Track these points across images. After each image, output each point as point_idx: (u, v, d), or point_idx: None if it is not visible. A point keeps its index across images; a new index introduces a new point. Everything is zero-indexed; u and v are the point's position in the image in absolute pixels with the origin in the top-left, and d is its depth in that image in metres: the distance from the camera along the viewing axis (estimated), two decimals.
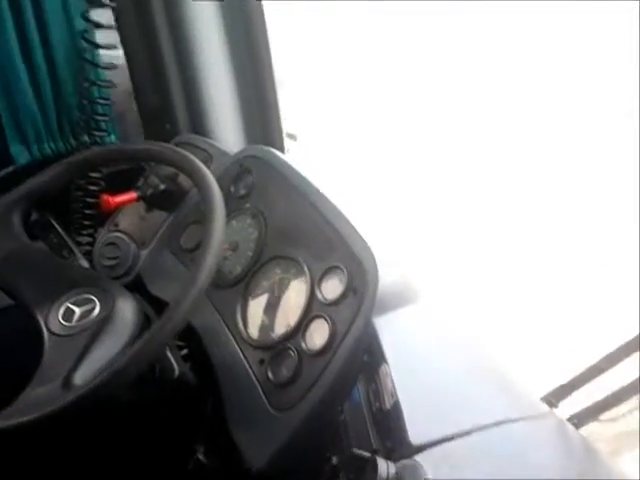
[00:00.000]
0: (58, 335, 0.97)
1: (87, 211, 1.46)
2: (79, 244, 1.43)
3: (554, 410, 1.16)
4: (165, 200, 1.36)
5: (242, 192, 1.26)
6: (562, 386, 1.21)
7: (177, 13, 1.39)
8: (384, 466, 0.72)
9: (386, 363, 0.90)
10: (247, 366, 1.08)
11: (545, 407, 1.03)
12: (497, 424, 0.88)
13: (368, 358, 0.95)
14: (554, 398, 1.21)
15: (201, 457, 1.12)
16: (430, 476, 0.75)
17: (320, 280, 1.06)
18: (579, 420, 1.19)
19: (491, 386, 0.97)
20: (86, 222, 1.47)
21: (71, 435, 1.00)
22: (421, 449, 0.79)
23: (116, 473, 1.31)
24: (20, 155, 1.47)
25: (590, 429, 1.17)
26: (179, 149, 1.12)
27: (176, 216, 1.36)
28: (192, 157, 1.08)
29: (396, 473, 0.72)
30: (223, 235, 0.96)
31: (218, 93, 1.48)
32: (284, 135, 1.58)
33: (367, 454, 0.77)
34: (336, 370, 0.96)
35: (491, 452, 0.85)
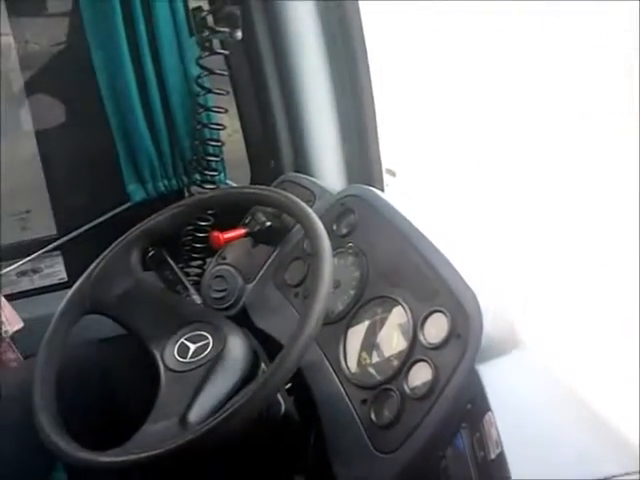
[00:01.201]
0: (174, 371, 1.03)
1: (197, 245, 1.53)
2: (188, 275, 1.50)
3: None
4: (270, 236, 1.41)
5: (344, 231, 1.30)
6: None
7: (284, 58, 1.45)
8: None
9: (491, 412, 0.90)
10: (349, 405, 1.10)
11: None
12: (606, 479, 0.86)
13: (472, 406, 0.96)
14: None
15: None
16: None
17: (423, 323, 1.07)
18: None
19: (598, 439, 0.95)
20: (195, 255, 1.55)
21: (184, 471, 1.05)
22: None
23: None
24: (136, 193, 1.56)
25: None
26: (284, 192, 1.16)
27: (280, 252, 1.40)
28: (298, 201, 1.12)
29: None
30: (331, 281, 0.99)
31: (320, 132, 1.53)
32: (384, 171, 1.61)
33: None
34: (439, 415, 0.97)
35: None
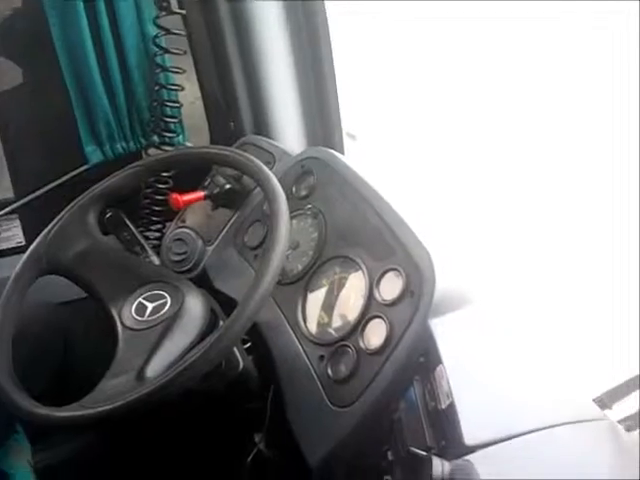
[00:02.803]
0: (131, 329, 1.04)
1: (156, 208, 1.53)
2: (147, 239, 1.50)
3: (607, 412, 1.16)
4: (230, 199, 1.41)
5: (303, 193, 1.31)
6: (617, 387, 1.21)
7: (243, 18, 1.43)
8: (439, 465, 0.75)
9: (442, 364, 0.93)
10: (307, 361, 1.12)
11: (598, 411, 1.04)
12: (549, 427, 0.90)
13: (424, 359, 0.98)
14: (609, 400, 1.21)
15: (262, 448, 1.17)
16: (483, 476, 0.78)
17: (378, 281, 1.09)
18: (633, 423, 1.19)
19: (545, 389, 0.98)
20: (154, 218, 1.55)
21: (141, 425, 1.06)
22: (474, 449, 0.82)
23: (181, 461, 1.37)
24: (93, 154, 1.54)
25: None
26: (243, 153, 1.17)
27: (240, 214, 1.41)
28: (257, 161, 1.12)
29: (450, 472, 0.76)
30: (288, 240, 1.00)
31: (281, 95, 1.52)
32: (344, 135, 1.61)
33: (423, 453, 0.80)
34: (393, 369, 1.00)
35: (542, 454, 0.86)
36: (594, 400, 1.16)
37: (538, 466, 0.85)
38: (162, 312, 1.05)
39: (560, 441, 0.90)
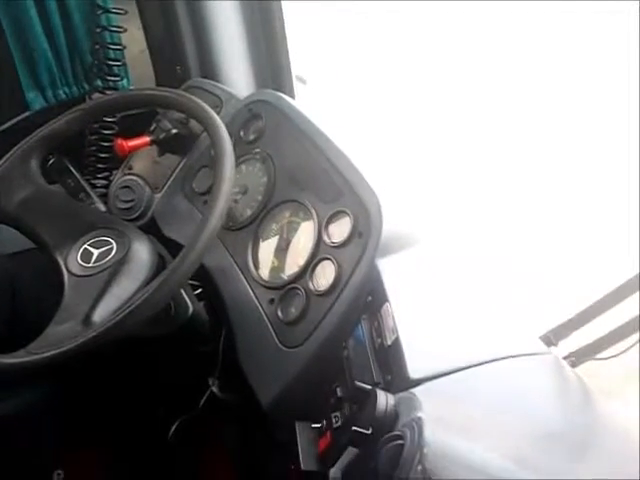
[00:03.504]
0: (77, 275, 1.02)
1: (102, 155, 1.49)
2: (94, 187, 1.47)
3: (553, 348, 1.20)
4: (177, 144, 1.39)
5: (252, 137, 1.29)
6: (563, 324, 1.25)
7: None
8: (383, 398, 0.77)
9: (388, 302, 0.94)
10: (258, 305, 1.13)
11: (542, 345, 1.07)
12: (493, 361, 0.92)
13: (372, 298, 1.00)
14: (554, 336, 1.25)
15: (215, 390, 1.18)
16: (427, 408, 0.80)
17: (327, 224, 1.10)
18: (577, 358, 1.23)
19: (490, 325, 1.01)
20: (101, 165, 1.51)
21: (93, 373, 1.06)
22: (418, 383, 0.84)
23: (135, 407, 1.38)
24: (35, 101, 1.49)
25: (588, 367, 1.22)
26: (187, 94, 1.14)
27: (188, 160, 1.39)
28: (200, 102, 1.10)
29: (394, 404, 0.77)
30: (232, 180, 0.99)
31: (228, 37, 1.49)
32: (294, 79, 1.59)
33: (368, 387, 0.82)
34: (341, 309, 1.01)
35: (485, 388, 0.89)
36: (540, 337, 1.20)
37: (481, 398, 0.87)
38: (108, 258, 1.03)
39: (504, 374, 0.93)
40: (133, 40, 1.51)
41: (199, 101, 1.10)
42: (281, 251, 1.16)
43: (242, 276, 1.18)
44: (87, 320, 0.93)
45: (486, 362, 0.92)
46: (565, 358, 1.21)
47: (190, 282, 1.14)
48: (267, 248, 1.18)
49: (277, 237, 1.18)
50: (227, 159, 0.99)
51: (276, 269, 1.15)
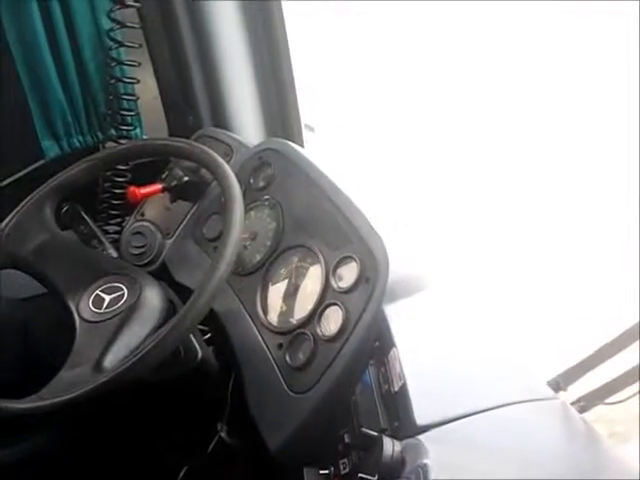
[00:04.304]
0: (89, 321, 1.04)
1: (114, 201, 1.52)
2: (107, 233, 1.49)
3: (562, 393, 1.20)
4: (188, 191, 1.41)
5: (261, 184, 1.32)
6: (571, 369, 1.25)
7: (199, 11, 1.44)
8: (390, 444, 0.78)
9: (395, 348, 0.95)
10: (266, 350, 1.13)
11: (549, 391, 1.07)
12: (500, 407, 0.93)
13: (379, 343, 1.01)
14: (563, 381, 1.24)
15: (224, 436, 1.19)
16: (433, 455, 0.80)
17: (335, 269, 1.11)
18: (586, 403, 1.22)
19: (497, 370, 1.01)
20: (113, 212, 1.54)
21: (104, 414, 1.07)
22: (426, 429, 0.84)
23: (144, 452, 1.38)
24: (50, 149, 1.53)
25: (600, 411, 1.21)
26: (198, 144, 1.18)
27: (199, 207, 1.41)
28: (211, 152, 1.13)
29: (400, 451, 0.78)
30: (241, 226, 1.01)
31: (238, 87, 1.53)
32: (302, 127, 1.62)
33: (375, 433, 0.83)
34: (349, 354, 1.02)
35: (492, 434, 0.89)
36: (549, 382, 1.20)
37: (488, 445, 0.88)
38: (119, 304, 1.05)
39: (510, 421, 0.93)
40: (146, 87, 1.56)
41: (210, 151, 1.13)
42: (289, 296, 1.18)
43: (251, 321, 1.19)
44: (98, 366, 0.95)
45: (493, 408, 0.92)
46: (574, 403, 1.21)
47: (199, 327, 1.16)
48: (276, 293, 1.20)
49: (286, 282, 1.19)
50: (236, 206, 1.02)
51: (284, 314, 1.16)
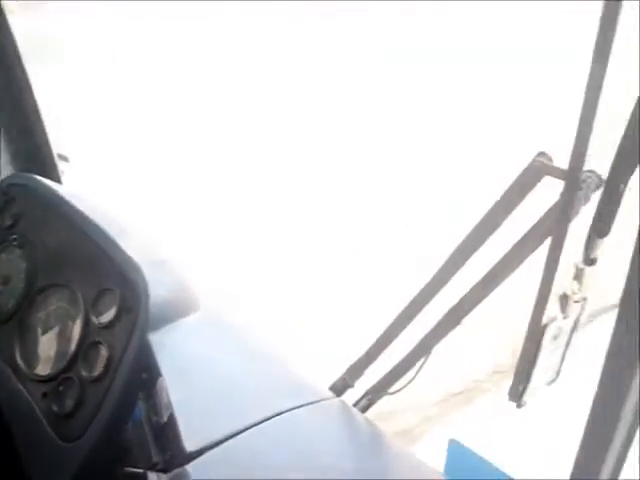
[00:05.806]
0: None
1: None
2: None
3: (350, 390, 1.24)
4: None
5: (8, 222, 1.22)
6: (354, 364, 1.29)
7: None
8: (155, 479, 0.75)
9: (162, 377, 0.93)
10: (31, 402, 1.06)
11: (327, 392, 1.10)
12: (275, 416, 0.94)
13: (146, 375, 0.97)
14: (350, 378, 1.28)
15: None
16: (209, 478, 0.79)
17: (94, 304, 1.06)
18: (373, 395, 1.27)
19: (271, 381, 1.03)
20: None
21: None
22: (198, 454, 0.83)
23: None
24: None
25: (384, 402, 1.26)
26: None
27: None
28: None
29: None
30: None
31: None
32: (55, 157, 1.54)
33: (139, 470, 0.79)
34: (117, 393, 0.97)
35: (271, 446, 0.90)
36: (336, 381, 1.23)
37: (267, 458, 0.88)
38: None
39: (288, 428, 0.95)
40: None
41: None
42: (51, 340, 1.10)
43: (12, 373, 1.10)
44: None
45: (268, 419, 0.93)
46: (362, 397, 1.25)
47: None
48: (35, 339, 1.11)
49: (44, 325, 1.12)
50: None
51: (47, 360, 1.09)
